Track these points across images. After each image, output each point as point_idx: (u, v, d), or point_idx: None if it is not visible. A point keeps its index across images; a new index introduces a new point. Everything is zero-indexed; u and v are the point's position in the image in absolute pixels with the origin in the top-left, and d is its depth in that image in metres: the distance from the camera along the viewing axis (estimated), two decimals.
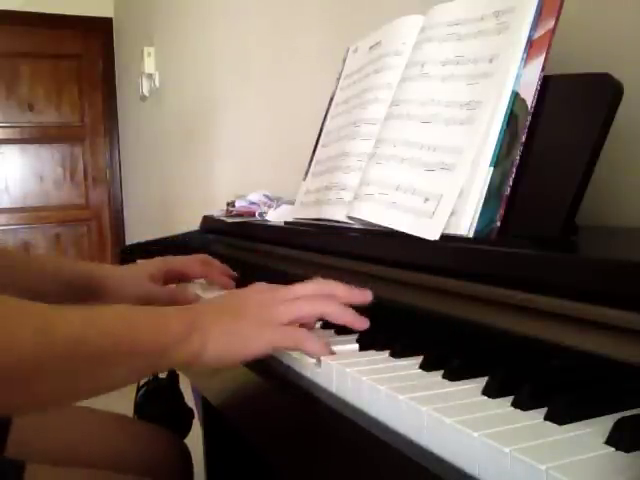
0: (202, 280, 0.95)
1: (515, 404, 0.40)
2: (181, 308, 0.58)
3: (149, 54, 3.07)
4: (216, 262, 0.94)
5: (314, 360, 0.53)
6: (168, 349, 0.52)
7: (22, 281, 0.81)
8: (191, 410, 1.25)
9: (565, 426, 0.36)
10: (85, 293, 0.83)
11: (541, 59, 0.64)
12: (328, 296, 0.58)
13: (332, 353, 0.54)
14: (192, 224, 1.37)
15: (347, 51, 1.00)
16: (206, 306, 0.60)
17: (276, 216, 1.11)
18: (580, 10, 0.76)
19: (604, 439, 0.34)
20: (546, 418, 0.37)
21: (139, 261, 1.00)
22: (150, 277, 0.87)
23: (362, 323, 0.57)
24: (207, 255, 0.96)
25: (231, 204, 1.28)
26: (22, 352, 0.44)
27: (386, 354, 0.52)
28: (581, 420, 0.37)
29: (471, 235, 0.64)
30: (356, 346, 0.55)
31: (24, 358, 0.44)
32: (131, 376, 0.53)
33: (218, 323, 0.55)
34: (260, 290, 0.60)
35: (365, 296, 0.59)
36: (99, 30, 3.91)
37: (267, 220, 1.12)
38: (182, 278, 0.93)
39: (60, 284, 0.82)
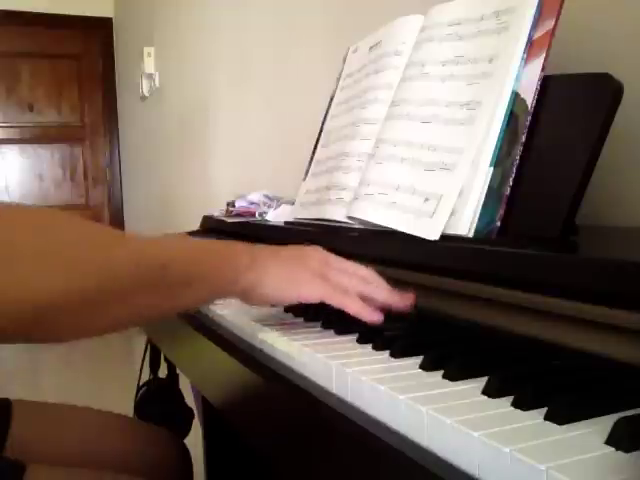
0: None
1: (515, 404, 0.39)
2: (245, 243, 0.62)
3: (149, 54, 3.08)
4: None
5: (310, 355, 0.53)
6: (238, 276, 0.57)
7: None
8: (191, 410, 1.25)
9: (565, 426, 0.36)
10: None
11: (541, 59, 0.64)
12: (377, 288, 0.61)
13: (378, 320, 0.56)
14: (192, 224, 1.37)
15: (347, 51, 1.00)
16: (270, 248, 0.64)
17: (276, 216, 1.11)
18: (580, 10, 0.76)
19: (604, 439, 0.34)
20: (546, 418, 0.37)
21: None
22: None
23: (375, 316, 0.58)
24: None
25: (231, 204, 1.28)
26: (111, 277, 0.48)
27: (386, 354, 0.52)
28: (581, 420, 0.37)
29: (471, 235, 0.64)
30: (356, 345, 0.55)
31: (110, 283, 0.48)
32: (204, 300, 0.61)
33: (277, 262, 0.60)
34: (321, 251, 0.64)
35: (407, 300, 0.60)
36: (99, 30, 3.92)
37: (267, 220, 1.12)
38: None
39: None
